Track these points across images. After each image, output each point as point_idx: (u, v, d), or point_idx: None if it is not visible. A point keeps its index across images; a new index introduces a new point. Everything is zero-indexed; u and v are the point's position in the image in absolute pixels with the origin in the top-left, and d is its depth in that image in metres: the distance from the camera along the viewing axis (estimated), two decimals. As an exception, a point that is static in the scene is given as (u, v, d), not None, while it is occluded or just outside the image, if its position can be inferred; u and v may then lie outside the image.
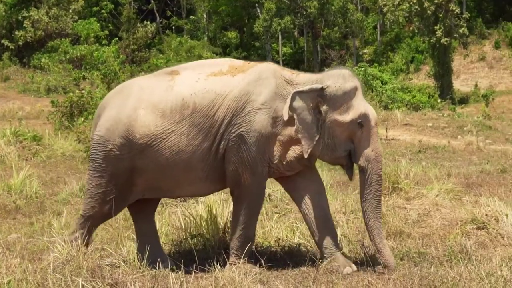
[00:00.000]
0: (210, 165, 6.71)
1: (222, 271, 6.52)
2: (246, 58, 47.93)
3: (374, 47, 50.85)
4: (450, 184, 11.10)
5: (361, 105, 6.79)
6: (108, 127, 6.75)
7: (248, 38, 51.68)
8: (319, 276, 6.54)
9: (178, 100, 6.63)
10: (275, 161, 6.79)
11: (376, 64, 41.09)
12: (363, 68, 32.93)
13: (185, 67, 7.21)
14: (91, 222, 7.04)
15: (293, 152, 6.81)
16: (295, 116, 6.58)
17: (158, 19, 52.87)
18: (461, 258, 6.58)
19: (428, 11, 40.90)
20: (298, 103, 6.59)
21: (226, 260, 6.86)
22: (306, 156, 6.68)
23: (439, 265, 6.72)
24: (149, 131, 6.60)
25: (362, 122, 6.73)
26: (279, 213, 9.05)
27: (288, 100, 6.56)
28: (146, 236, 7.26)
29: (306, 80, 6.86)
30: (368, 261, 6.80)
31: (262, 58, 49.38)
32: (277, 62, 46.35)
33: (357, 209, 9.27)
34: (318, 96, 6.66)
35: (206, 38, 51.36)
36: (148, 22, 49.78)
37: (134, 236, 7.74)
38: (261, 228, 8.04)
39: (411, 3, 41.91)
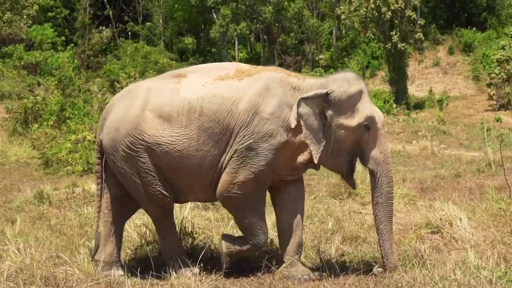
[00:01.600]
0: (218, 172, 6.72)
1: (178, 278, 6.51)
2: (202, 64, 47.88)
3: (330, 53, 51.02)
4: (405, 189, 11.22)
5: (367, 108, 6.80)
6: (116, 128, 6.78)
7: (205, 44, 51.59)
8: (275, 282, 6.56)
9: (184, 104, 6.63)
10: (282, 168, 6.82)
11: (332, 70, 41.13)
12: (318, 74, 33.00)
13: (191, 70, 7.23)
14: (163, 225, 7.11)
15: (301, 158, 6.85)
16: (302, 122, 6.57)
17: (113, 24, 52.49)
18: (415, 262, 6.63)
19: (387, 16, 41.17)
20: (304, 109, 6.58)
21: (182, 266, 6.82)
22: (316, 161, 6.70)
23: (394, 270, 6.75)
24: (157, 133, 6.62)
25: (368, 124, 6.75)
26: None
27: (294, 107, 6.56)
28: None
29: (312, 85, 6.87)
30: (324, 266, 6.80)
31: (218, 63, 49.35)
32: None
33: (313, 215, 9.33)
34: (323, 101, 6.67)
35: (162, 43, 51.16)
36: (104, 28, 49.49)
37: (89, 244, 7.68)
38: (216, 234, 8.02)
39: (368, 8, 42.15)
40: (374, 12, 42.13)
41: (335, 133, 6.74)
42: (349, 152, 6.89)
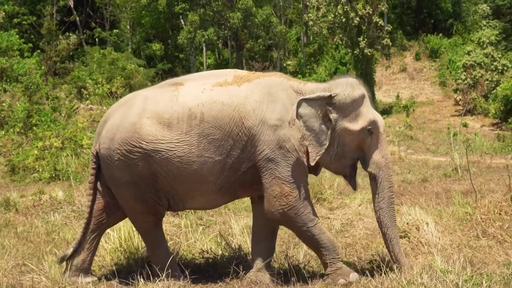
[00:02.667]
0: (224, 179, 6.66)
1: (146, 284, 6.49)
2: (170, 70, 47.78)
3: (297, 59, 51.15)
4: (373, 193, 11.24)
5: (369, 112, 6.86)
6: (111, 137, 6.72)
7: (173, 50, 51.38)
8: (243, 287, 6.55)
9: (184, 111, 6.58)
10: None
11: (299, 76, 41.34)
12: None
13: (188, 78, 7.20)
14: (152, 235, 6.99)
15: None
16: (301, 123, 6.56)
17: (80, 30, 52.17)
18: (383, 266, 6.65)
19: (355, 22, 41.36)
20: (305, 110, 6.59)
21: (150, 273, 6.79)
22: (312, 163, 6.68)
23: (361, 274, 6.79)
24: (156, 140, 6.56)
25: (371, 129, 6.79)
26: (203, 225, 9.07)
27: (294, 107, 6.54)
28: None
29: (313, 88, 6.90)
30: (292, 271, 6.82)
31: (186, 69, 49.25)
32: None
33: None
34: (326, 104, 6.68)
35: (130, 50, 50.90)
36: (71, 34, 49.14)
37: (56, 251, 7.64)
38: (185, 241, 8.02)
39: (336, 14, 42.31)
40: (342, 18, 42.31)
41: (339, 137, 6.77)
42: (352, 156, 6.93)
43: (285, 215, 6.67)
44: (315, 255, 7.78)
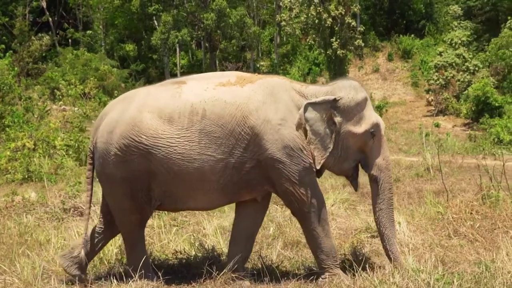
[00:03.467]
0: (227, 178, 6.60)
1: (119, 285, 6.49)
2: (144, 70, 47.70)
3: (270, 60, 51.24)
4: (346, 193, 11.33)
5: (372, 115, 6.88)
6: (110, 130, 6.61)
7: (146, 51, 51.26)
8: (216, 288, 6.57)
9: (186, 106, 6.52)
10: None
11: (273, 76, 41.43)
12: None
13: (191, 77, 7.12)
14: (134, 235, 6.89)
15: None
16: (307, 127, 6.55)
17: (53, 31, 51.88)
18: (355, 266, 6.69)
19: (328, 23, 41.49)
20: (311, 114, 6.58)
21: (123, 274, 6.79)
22: (318, 167, 6.67)
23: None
24: (156, 134, 6.47)
25: (374, 132, 6.81)
26: (177, 226, 9.07)
27: (301, 111, 6.54)
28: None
29: (316, 91, 6.88)
30: (265, 272, 6.84)
31: (160, 70, 49.19)
32: (175, 75, 46.30)
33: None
34: (331, 107, 6.67)
35: (103, 50, 50.69)
36: (44, 35, 48.84)
37: (28, 252, 7.62)
38: (159, 241, 8.02)
39: (309, 14, 42.41)
40: (315, 19, 42.42)
41: (343, 140, 6.78)
42: (354, 159, 6.94)
43: (299, 212, 6.73)
44: (290, 255, 7.83)
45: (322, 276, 6.72)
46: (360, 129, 6.77)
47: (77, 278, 6.86)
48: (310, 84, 7.26)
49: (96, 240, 7.06)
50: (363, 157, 6.96)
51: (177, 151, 6.46)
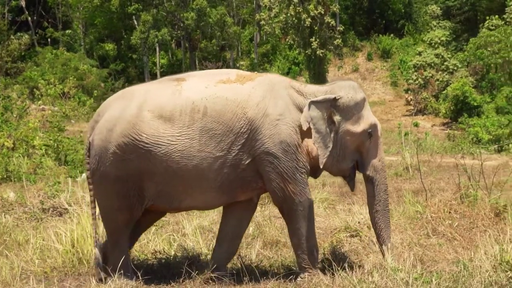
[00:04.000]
0: (224, 176, 6.58)
1: (98, 285, 6.48)
2: (123, 70, 47.55)
3: (250, 59, 51.23)
4: (325, 193, 11.37)
5: (370, 116, 6.94)
6: (110, 128, 6.54)
7: (126, 50, 51.07)
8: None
9: (188, 104, 6.50)
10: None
11: (253, 76, 41.39)
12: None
13: (191, 74, 7.09)
14: (119, 234, 6.82)
15: (309, 161, 6.79)
16: (311, 126, 6.58)
17: (32, 30, 51.58)
18: (334, 265, 6.71)
19: (307, 22, 41.54)
20: (314, 112, 6.62)
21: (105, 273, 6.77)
22: (322, 166, 6.72)
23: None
24: (157, 132, 6.44)
25: (371, 132, 6.86)
26: (156, 226, 9.03)
27: (306, 109, 6.58)
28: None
29: (315, 90, 6.91)
30: (244, 271, 6.84)
31: (139, 70, 49.04)
32: (155, 74, 46.23)
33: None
34: (331, 106, 6.71)
35: (82, 50, 50.47)
36: (23, 34, 48.59)
37: (7, 252, 7.59)
38: (137, 241, 8.01)
39: (288, 14, 42.44)
40: (294, 19, 42.46)
41: (341, 139, 6.82)
42: (352, 159, 6.97)
43: (287, 209, 6.73)
44: (269, 255, 7.85)
45: (301, 276, 6.73)
46: (358, 128, 6.83)
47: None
48: (308, 84, 7.29)
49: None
50: (360, 157, 7.00)
51: (177, 149, 6.44)
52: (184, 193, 6.66)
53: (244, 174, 6.63)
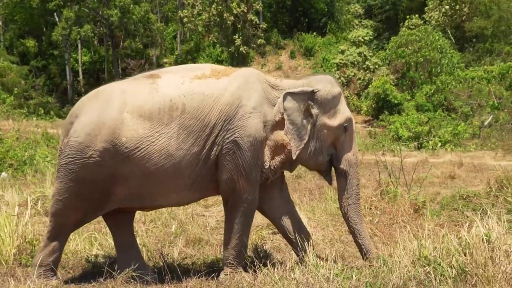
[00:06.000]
0: (197, 172, 6.51)
1: (17, 286, 6.38)
2: (45, 67, 46.84)
3: (174, 57, 51.09)
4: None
5: (346, 110, 6.96)
6: (88, 132, 6.35)
7: (47, 47, 50.34)
8: (117, 287, 6.52)
9: (166, 102, 6.41)
10: (266, 166, 6.72)
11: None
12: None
13: (165, 70, 6.99)
14: (62, 232, 6.63)
15: (278, 156, 6.75)
16: (285, 117, 6.56)
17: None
18: (257, 262, 6.74)
19: (229, 21, 41.61)
20: (290, 103, 6.60)
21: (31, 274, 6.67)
22: (294, 157, 6.66)
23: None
24: (137, 134, 6.32)
25: (347, 126, 6.89)
26: (77, 225, 8.93)
27: (280, 100, 6.58)
28: (127, 249, 7.00)
29: (290, 85, 6.89)
30: (166, 269, 6.81)
31: (61, 67, 48.38)
32: (77, 71, 45.67)
33: (156, 218, 9.33)
34: (308, 99, 6.70)
35: (2, 46, 49.54)
36: None
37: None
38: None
39: (210, 13, 42.45)
40: (216, 18, 42.52)
41: (318, 132, 6.83)
42: (328, 153, 7.00)
43: (232, 202, 6.70)
44: (192, 253, 7.83)
45: (224, 273, 6.75)
46: (335, 122, 6.88)
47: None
48: (284, 78, 7.30)
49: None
50: (334, 151, 7.05)
51: (156, 149, 6.36)
52: (157, 193, 6.59)
53: (214, 166, 6.62)
